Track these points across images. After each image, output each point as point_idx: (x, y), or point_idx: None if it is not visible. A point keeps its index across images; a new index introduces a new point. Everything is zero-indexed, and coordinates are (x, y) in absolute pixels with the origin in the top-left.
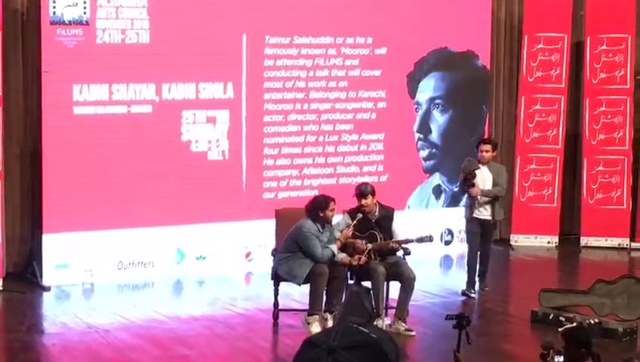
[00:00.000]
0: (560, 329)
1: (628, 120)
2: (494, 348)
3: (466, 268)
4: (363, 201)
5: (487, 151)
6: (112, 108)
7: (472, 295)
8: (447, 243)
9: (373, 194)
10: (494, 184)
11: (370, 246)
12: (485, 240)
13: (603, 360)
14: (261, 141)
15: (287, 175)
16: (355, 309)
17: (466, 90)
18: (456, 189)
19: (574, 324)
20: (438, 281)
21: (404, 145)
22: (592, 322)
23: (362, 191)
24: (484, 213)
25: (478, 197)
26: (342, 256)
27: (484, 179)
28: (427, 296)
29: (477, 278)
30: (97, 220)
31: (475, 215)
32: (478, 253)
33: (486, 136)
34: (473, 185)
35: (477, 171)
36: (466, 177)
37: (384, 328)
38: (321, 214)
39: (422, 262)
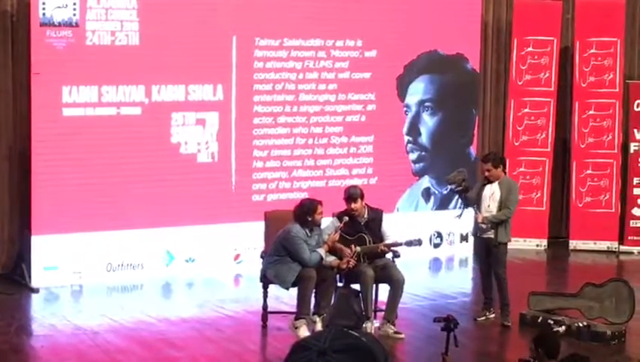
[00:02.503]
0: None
1: (617, 123)
2: (482, 351)
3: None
4: (352, 205)
5: (487, 171)
6: (101, 109)
7: (484, 318)
8: (437, 246)
9: (362, 197)
10: (501, 204)
11: (358, 249)
12: (493, 263)
13: None
14: (250, 143)
15: (277, 177)
16: (344, 312)
17: (456, 93)
18: (445, 192)
19: (547, 331)
20: (427, 284)
21: (393, 148)
22: (581, 325)
23: (351, 195)
24: (488, 233)
25: (482, 224)
26: (331, 259)
27: (491, 196)
28: (416, 298)
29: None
30: (86, 222)
31: (479, 234)
32: (491, 276)
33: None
34: (466, 198)
35: (487, 187)
36: (454, 190)
37: (373, 331)
38: (310, 218)
39: (411, 265)
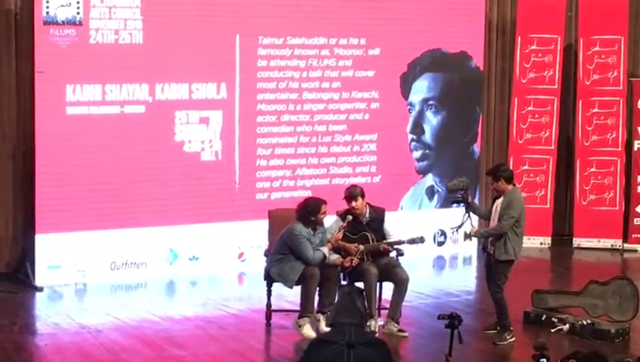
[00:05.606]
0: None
1: (621, 121)
2: (487, 349)
3: None
4: (353, 204)
5: (491, 184)
6: (105, 108)
7: (494, 331)
8: (440, 244)
9: (362, 196)
10: (500, 218)
11: (362, 247)
12: (491, 279)
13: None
14: (254, 141)
15: (280, 175)
16: (348, 310)
17: (460, 91)
18: None
19: (591, 351)
20: (431, 282)
21: (397, 146)
22: (585, 323)
23: (351, 194)
24: (489, 247)
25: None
26: (334, 258)
27: (496, 209)
28: (420, 296)
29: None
30: (90, 220)
31: (485, 248)
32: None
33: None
34: (467, 209)
35: (496, 201)
36: (455, 199)
37: (377, 329)
38: (313, 218)
39: (415, 263)
